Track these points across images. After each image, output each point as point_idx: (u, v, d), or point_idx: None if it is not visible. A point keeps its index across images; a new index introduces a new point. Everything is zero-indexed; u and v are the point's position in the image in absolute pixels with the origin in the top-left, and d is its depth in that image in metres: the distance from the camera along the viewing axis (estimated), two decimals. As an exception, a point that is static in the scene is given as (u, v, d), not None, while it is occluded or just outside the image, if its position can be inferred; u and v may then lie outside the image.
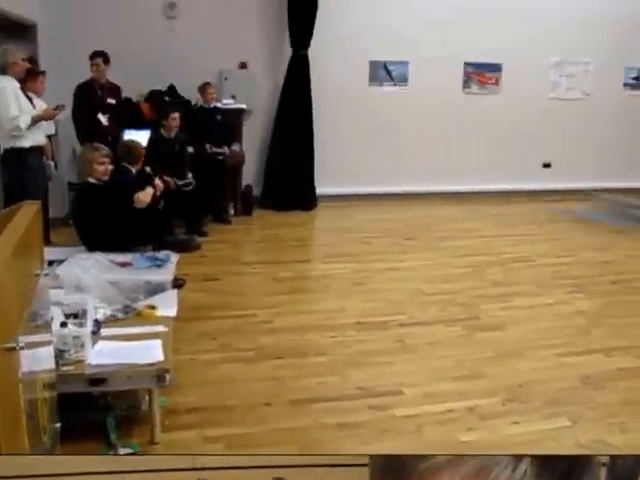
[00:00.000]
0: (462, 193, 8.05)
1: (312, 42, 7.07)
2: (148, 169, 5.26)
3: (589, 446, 2.81)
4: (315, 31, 7.04)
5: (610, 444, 2.84)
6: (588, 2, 8.18)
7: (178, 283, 4.28)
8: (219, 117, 6.64)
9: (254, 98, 7.18)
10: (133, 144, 5.18)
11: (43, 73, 5.40)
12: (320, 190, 7.43)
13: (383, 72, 7.70)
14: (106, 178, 4.37)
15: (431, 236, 6.26)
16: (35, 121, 4.69)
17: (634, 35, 8.52)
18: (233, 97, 7.00)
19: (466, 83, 8.05)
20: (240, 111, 7.01)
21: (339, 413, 2.99)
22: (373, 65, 7.64)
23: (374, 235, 6.22)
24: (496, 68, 8.10)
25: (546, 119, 8.38)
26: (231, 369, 3.39)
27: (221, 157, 6.50)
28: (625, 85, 8.77)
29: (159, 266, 3.98)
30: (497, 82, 8.16)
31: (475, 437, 2.85)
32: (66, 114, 5.59)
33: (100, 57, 5.79)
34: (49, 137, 5.37)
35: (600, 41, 8.38)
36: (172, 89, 6.83)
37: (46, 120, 4.97)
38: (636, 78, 8.76)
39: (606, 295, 4.75)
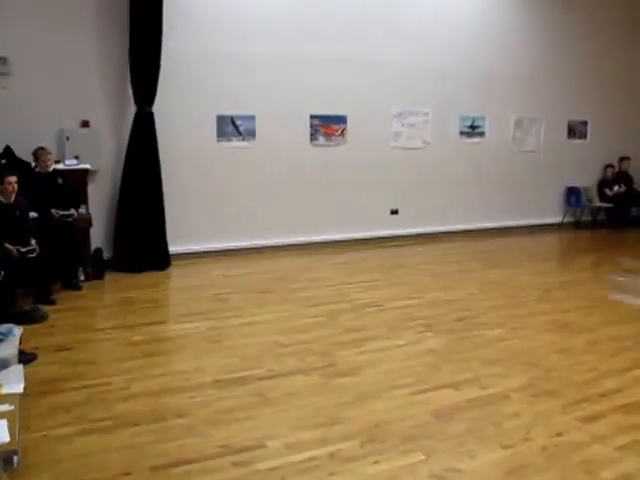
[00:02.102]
0: (312, 243, 8.30)
1: (157, 98, 7.05)
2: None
3: (442, 475, 2.97)
4: (159, 87, 7.04)
5: (461, 471, 3.02)
6: (426, 56, 8.95)
7: (27, 357, 4.06)
8: (60, 180, 6.39)
9: (98, 158, 7.01)
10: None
11: None
12: (173, 249, 7.35)
13: (231, 127, 7.82)
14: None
15: (285, 288, 6.37)
16: None
17: (469, 87, 9.39)
18: (76, 157, 6.79)
19: (313, 135, 8.36)
20: (84, 172, 6.81)
21: (201, 474, 2.94)
22: (220, 120, 7.74)
23: (229, 291, 6.23)
24: (341, 120, 8.50)
25: (391, 167, 8.91)
26: (87, 442, 3.23)
27: (70, 219, 6.24)
28: (461, 133, 9.54)
29: (0, 340, 3.74)
30: (343, 133, 8.54)
31: (337, 482, 2.92)
32: None
33: None
34: None
35: (437, 92, 9.14)
36: (8, 151, 6.50)
37: None
38: (470, 127, 9.56)
39: (452, 332, 5.06)
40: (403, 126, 8.99)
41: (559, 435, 3.41)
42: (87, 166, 6.83)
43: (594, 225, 10.68)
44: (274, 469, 3.00)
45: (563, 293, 6.40)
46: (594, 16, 10.37)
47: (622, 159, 10.89)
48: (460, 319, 5.42)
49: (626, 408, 3.76)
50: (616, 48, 10.69)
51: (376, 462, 3.08)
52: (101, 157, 7.06)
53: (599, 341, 4.94)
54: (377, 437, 3.33)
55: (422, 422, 3.52)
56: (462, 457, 3.16)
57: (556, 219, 10.57)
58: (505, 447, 3.27)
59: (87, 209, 6.76)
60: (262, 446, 3.20)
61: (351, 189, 8.62)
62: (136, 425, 3.40)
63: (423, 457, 3.15)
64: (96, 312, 5.73)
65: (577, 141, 10.69)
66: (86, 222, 6.61)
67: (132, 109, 7.07)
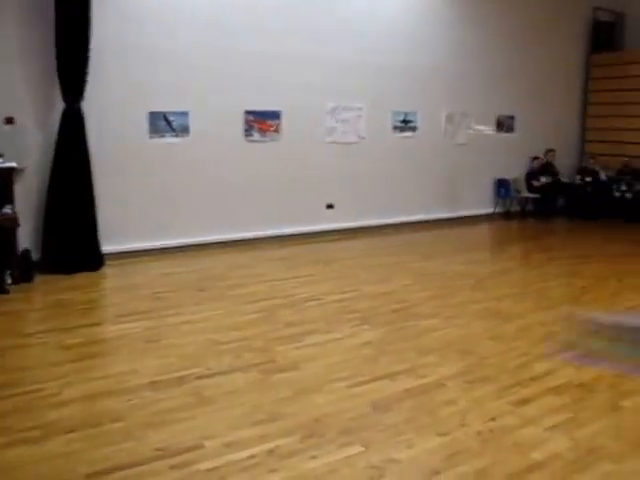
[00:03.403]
0: (249, 240, 8.26)
1: (87, 94, 6.85)
2: None
3: (380, 466, 3.02)
4: (89, 82, 6.82)
5: (399, 460, 3.08)
6: (360, 52, 9.00)
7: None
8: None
9: (25, 156, 6.76)
10: None
11: None
12: (107, 248, 7.17)
13: (163, 123, 7.68)
14: None
15: (223, 285, 6.33)
16: None
17: (401, 82, 9.52)
18: (1, 155, 6.54)
19: (247, 131, 8.30)
20: (9, 170, 6.56)
21: (139, 479, 2.89)
22: (153, 116, 7.60)
23: (166, 290, 6.14)
24: (276, 115, 8.47)
25: (326, 162, 8.95)
26: (15, 454, 3.11)
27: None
28: (394, 128, 9.67)
29: None
30: (277, 129, 8.52)
31: (278, 478, 2.92)
32: None
33: None
34: None
35: (371, 88, 9.22)
36: None
37: None
38: (403, 121, 9.70)
39: (388, 324, 5.14)
40: (337, 121, 9.04)
41: (493, 420, 3.51)
42: (12, 164, 6.57)
43: (523, 215, 11.02)
44: (213, 469, 2.98)
45: (495, 281, 6.59)
46: (520, 17, 10.70)
47: (547, 151, 11.27)
48: (395, 311, 5.50)
49: (556, 390, 3.91)
50: (540, 47, 11.05)
51: (315, 456, 3.11)
52: (27, 155, 6.81)
53: (529, 327, 5.12)
54: (316, 431, 3.35)
55: (360, 414, 3.56)
56: (400, 447, 3.22)
57: (487, 210, 10.86)
58: (441, 434, 3.35)
59: (13, 209, 6.52)
60: (200, 447, 3.18)
61: (286, 184, 8.62)
62: (69, 432, 3.31)
63: (361, 449, 3.19)
64: (26, 316, 5.54)
65: (505, 135, 11.00)
66: (12, 222, 6.38)
67: (60, 105, 6.85)
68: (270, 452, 3.13)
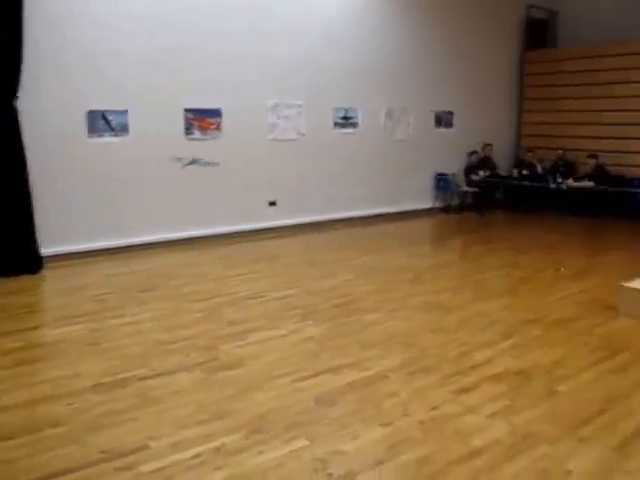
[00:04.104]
0: (192, 239, 8.20)
1: (22, 93, 6.65)
2: None
3: (326, 459, 3.07)
4: (25, 81, 6.64)
5: (344, 452, 3.13)
6: (299, 49, 9.04)
7: None
8: None
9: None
10: None
11: None
12: (48, 250, 6.99)
13: (102, 122, 7.53)
14: None
15: (166, 284, 6.26)
16: None
17: (341, 79, 9.60)
18: None
19: (188, 130, 8.22)
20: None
21: (82, 483, 2.86)
22: (91, 115, 7.44)
23: (108, 291, 6.03)
24: (216, 113, 8.41)
25: (268, 159, 8.94)
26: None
27: None
28: (335, 124, 9.73)
29: None
30: (219, 127, 8.47)
31: (224, 475, 2.93)
32: None
33: None
34: None
35: (311, 85, 9.26)
36: None
37: None
38: (343, 118, 9.77)
39: (331, 319, 5.19)
40: (278, 118, 9.05)
41: (435, 409, 3.61)
42: (-58, 166, 6.35)
43: (462, 209, 11.27)
44: (159, 470, 2.97)
45: (435, 274, 6.73)
46: (457, 14, 10.92)
47: (485, 146, 11.55)
48: (338, 306, 5.56)
49: (495, 378, 4.04)
50: (477, 44, 11.32)
51: (261, 452, 3.13)
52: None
53: (469, 318, 5.25)
54: (262, 427, 3.37)
55: (305, 409, 3.60)
56: (344, 439, 3.27)
57: (427, 205, 11.06)
58: (385, 425, 3.42)
59: (-56, 213, 6.30)
60: (145, 448, 3.16)
61: (228, 182, 8.58)
62: (8, 439, 3.23)
63: (307, 442, 3.23)
64: (-40, 322, 5.37)
65: (444, 130, 11.23)
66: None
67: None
68: (216, 450, 3.14)
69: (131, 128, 7.69)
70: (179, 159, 8.10)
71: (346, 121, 9.83)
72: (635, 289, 5.26)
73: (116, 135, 7.64)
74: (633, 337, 4.84)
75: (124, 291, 6.04)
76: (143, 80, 7.70)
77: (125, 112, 7.64)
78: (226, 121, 8.47)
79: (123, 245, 7.67)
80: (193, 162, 8.24)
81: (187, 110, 8.15)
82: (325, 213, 9.64)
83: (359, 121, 9.96)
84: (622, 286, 5.36)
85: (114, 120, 7.60)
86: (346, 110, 9.79)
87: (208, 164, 8.36)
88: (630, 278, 5.48)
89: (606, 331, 4.97)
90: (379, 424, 3.43)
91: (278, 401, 3.69)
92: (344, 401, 3.70)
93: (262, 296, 5.83)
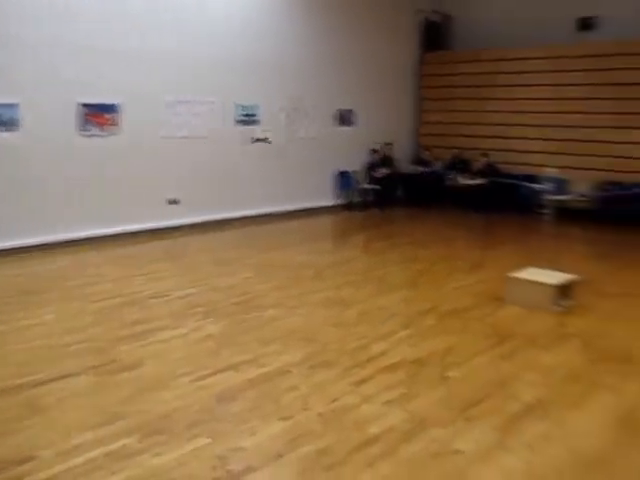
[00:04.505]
0: (92, 238, 7.92)
1: None
2: None
3: (226, 455, 3.07)
4: None
5: (244, 448, 3.15)
6: (201, 45, 8.92)
7: None
8: None
9: None
10: None
11: None
12: None
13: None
14: None
15: (63, 286, 6.03)
16: None
17: (244, 76, 9.55)
18: None
19: (82, 125, 7.92)
20: None
21: (-34, 496, 2.73)
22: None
23: (1, 295, 5.75)
24: (113, 109, 8.16)
25: (167, 157, 8.77)
26: None
27: None
28: (237, 121, 9.68)
29: None
30: (116, 123, 8.21)
31: (120, 478, 2.87)
32: None
33: None
34: None
35: (213, 81, 9.16)
36: None
37: None
38: (245, 115, 9.73)
39: (231, 316, 5.18)
40: (178, 114, 8.88)
41: (334, 401, 3.68)
42: None
43: (364, 206, 11.48)
44: (51, 478, 2.87)
45: (337, 270, 6.84)
46: (358, 16, 11.12)
47: (386, 144, 11.83)
48: (239, 303, 5.55)
49: (392, 367, 4.17)
50: (377, 44, 11.56)
51: (159, 453, 3.09)
52: None
53: (369, 311, 5.38)
54: (161, 428, 3.33)
55: (205, 407, 3.58)
56: (244, 435, 3.29)
57: (330, 202, 11.20)
58: (285, 419, 3.45)
59: None
60: (35, 457, 3.03)
61: (128, 180, 8.34)
62: None
63: (208, 440, 3.22)
64: None
65: (345, 128, 11.40)
66: None
67: None
68: (112, 454, 3.07)
69: (21, 122, 7.34)
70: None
71: (248, 118, 9.80)
72: (520, 279, 5.57)
73: (5, 130, 7.27)
74: (519, 324, 5.12)
75: (18, 295, 5.76)
76: (36, 74, 7.37)
77: (16, 106, 7.28)
78: (125, 117, 8.25)
79: (17, 246, 7.31)
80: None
81: (82, 105, 7.87)
82: (228, 211, 9.56)
83: (261, 118, 9.96)
84: (509, 277, 5.65)
85: (3, 115, 7.23)
86: (248, 107, 9.76)
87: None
88: (518, 269, 5.79)
89: (496, 319, 5.23)
90: (279, 418, 3.46)
91: (179, 400, 3.65)
92: (244, 398, 3.71)
93: (164, 295, 5.73)
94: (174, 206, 8.96)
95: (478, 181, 11.18)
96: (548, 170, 5.83)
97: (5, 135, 7.26)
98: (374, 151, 11.66)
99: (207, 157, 9.26)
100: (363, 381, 3.96)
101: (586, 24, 10.96)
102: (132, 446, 3.14)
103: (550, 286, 5.39)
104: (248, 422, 3.42)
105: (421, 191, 11.72)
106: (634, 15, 10.31)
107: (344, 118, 11.36)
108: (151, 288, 5.97)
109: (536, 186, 7.26)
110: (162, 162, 8.73)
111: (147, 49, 8.35)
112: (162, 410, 3.53)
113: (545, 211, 6.07)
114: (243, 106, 9.70)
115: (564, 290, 5.50)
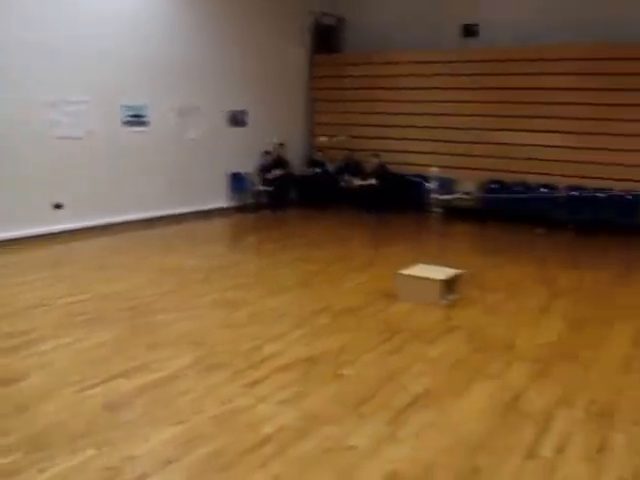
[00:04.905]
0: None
1: None
2: None
3: (117, 466, 2.98)
4: None
5: (136, 456, 3.07)
6: (86, 41, 8.55)
7: None
8: None
9: None
10: None
11: None
12: None
13: None
14: None
15: None
16: None
17: (132, 76, 9.28)
18: None
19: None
20: None
21: None
22: None
23: None
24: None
25: (52, 159, 8.35)
26: None
27: None
28: (125, 122, 9.38)
29: None
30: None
31: (0, 498, 2.73)
32: None
33: None
34: None
35: (99, 81, 8.81)
36: None
37: None
38: (134, 116, 9.46)
39: (121, 323, 5.03)
40: (63, 114, 8.50)
41: (227, 403, 3.66)
42: None
43: (258, 207, 11.47)
44: None
45: (229, 272, 6.79)
46: (250, 14, 11.07)
47: (279, 145, 11.87)
48: (129, 309, 5.39)
49: (284, 367, 4.20)
50: (269, 45, 11.57)
51: (45, 469, 2.95)
52: None
53: (260, 313, 5.38)
54: (46, 442, 3.18)
55: (93, 417, 3.46)
56: (136, 443, 3.21)
57: (223, 204, 11.10)
58: (178, 423, 3.40)
59: None
60: None
61: (5, 184, 7.89)
62: None
63: (96, 452, 3.11)
64: None
65: (238, 129, 11.34)
66: None
67: None
68: (-10, 472, 2.91)
69: None
70: None
71: (136, 119, 9.55)
72: (409, 275, 5.76)
73: None
74: (408, 319, 5.29)
75: None
76: None
77: None
78: (-1, 117, 7.79)
79: None
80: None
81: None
82: (117, 215, 9.25)
83: (150, 119, 9.72)
84: (398, 274, 5.83)
85: None
86: (137, 108, 9.51)
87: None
88: (409, 266, 5.98)
89: (387, 316, 5.38)
90: (171, 423, 3.40)
91: (65, 412, 3.50)
92: (135, 405, 3.61)
93: (47, 304, 5.47)
94: (59, 211, 8.56)
95: (370, 182, 11.45)
96: (433, 170, 6.07)
97: None
98: (267, 152, 11.68)
99: (94, 159, 8.92)
100: (256, 382, 3.96)
101: (470, 31, 11.51)
102: (17, 462, 2.99)
103: (437, 281, 5.61)
104: (140, 429, 3.33)
105: (315, 192, 11.85)
106: (513, 23, 10.91)
107: (236, 119, 11.30)
108: (34, 297, 5.67)
109: (426, 185, 7.53)
110: (44, 164, 8.28)
111: (26, 43, 7.92)
112: (47, 423, 3.38)
113: (434, 210, 6.30)
114: (129, 107, 9.44)
115: (450, 284, 5.74)
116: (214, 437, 3.28)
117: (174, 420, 3.44)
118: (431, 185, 6.04)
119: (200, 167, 10.59)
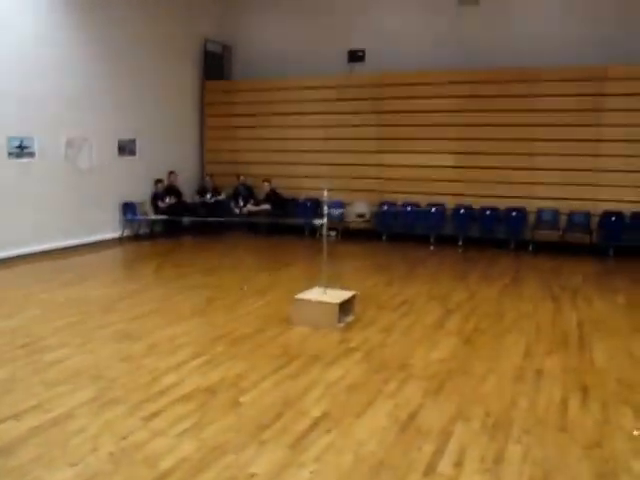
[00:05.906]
0: None
1: None
2: None
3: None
4: None
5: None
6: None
7: None
8: None
9: None
10: None
11: None
12: None
13: None
14: None
15: None
16: None
17: (16, 107, 8.96)
18: None
19: None
20: None
21: None
22: None
23: None
24: None
25: None
26: None
27: None
28: (10, 154, 9.00)
29: None
30: None
31: None
32: None
33: None
34: None
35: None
36: None
37: None
38: (19, 147, 9.09)
39: (14, 361, 4.81)
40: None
41: (124, 438, 3.60)
42: None
43: (152, 236, 11.29)
44: None
45: (126, 303, 6.66)
46: (140, 43, 11.01)
47: (170, 173, 11.77)
48: (23, 346, 5.18)
49: (184, 398, 4.18)
50: (158, 72, 11.53)
51: None
52: None
53: (158, 343, 5.32)
54: None
55: (-19, 463, 3.31)
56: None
57: (115, 234, 10.85)
58: (73, 464, 3.31)
59: None
60: None
61: None
62: None
63: (-16, 500, 2.98)
64: None
65: (128, 158, 11.15)
66: None
67: None
68: None
69: None
70: None
71: (22, 150, 9.18)
72: (305, 300, 5.87)
73: None
74: (305, 344, 5.40)
75: None
76: None
77: None
78: None
79: None
80: None
81: None
82: (5, 249, 8.82)
83: (36, 150, 9.37)
84: (295, 298, 5.94)
85: None
86: (21, 139, 9.15)
87: None
88: (305, 290, 6.09)
89: (284, 340, 5.46)
90: (67, 464, 3.31)
91: (-54, 461, 3.32)
92: (27, 447, 3.48)
93: None
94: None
95: (263, 207, 11.56)
96: (325, 193, 6.21)
97: None
98: (158, 181, 11.54)
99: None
100: (154, 415, 3.92)
101: (355, 56, 11.94)
102: None
103: (332, 304, 5.75)
104: (32, 473, 3.22)
105: (208, 219, 11.80)
106: (395, 49, 11.43)
107: (127, 148, 11.12)
108: None
109: (320, 209, 7.68)
110: None
111: None
112: None
113: (329, 233, 6.46)
114: (15, 138, 9.07)
115: (347, 306, 5.91)
116: (110, 475, 3.22)
117: (70, 460, 3.34)
118: (325, 208, 6.20)
119: (92, 197, 10.33)
